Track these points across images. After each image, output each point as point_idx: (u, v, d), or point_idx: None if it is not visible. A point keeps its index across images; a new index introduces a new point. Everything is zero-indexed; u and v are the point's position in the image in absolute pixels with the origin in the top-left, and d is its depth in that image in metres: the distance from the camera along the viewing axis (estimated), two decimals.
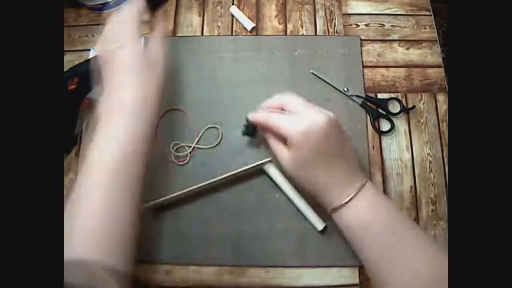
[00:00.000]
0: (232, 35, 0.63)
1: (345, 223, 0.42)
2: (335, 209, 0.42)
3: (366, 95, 0.58)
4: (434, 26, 0.63)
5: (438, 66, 0.61)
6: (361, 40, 0.62)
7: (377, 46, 0.62)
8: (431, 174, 0.55)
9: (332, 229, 0.50)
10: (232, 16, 0.65)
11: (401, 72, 0.60)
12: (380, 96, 0.59)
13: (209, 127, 0.56)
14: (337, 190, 0.41)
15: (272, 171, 0.52)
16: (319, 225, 0.50)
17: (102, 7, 0.64)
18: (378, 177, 0.54)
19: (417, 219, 0.53)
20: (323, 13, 0.64)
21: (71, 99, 0.54)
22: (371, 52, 0.62)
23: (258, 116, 0.47)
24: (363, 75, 0.60)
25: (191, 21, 0.65)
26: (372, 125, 0.57)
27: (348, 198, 0.40)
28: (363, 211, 0.40)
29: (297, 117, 0.41)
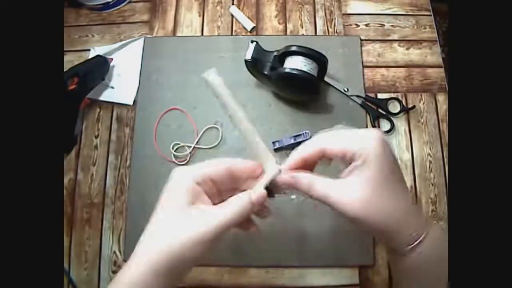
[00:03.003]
0: (232, 35, 0.63)
1: (424, 259, 0.33)
2: (419, 243, 0.32)
3: (366, 95, 0.58)
4: (434, 26, 0.63)
5: (438, 66, 0.61)
6: (361, 40, 0.62)
7: (377, 46, 0.62)
8: (431, 174, 0.55)
9: (332, 229, 0.50)
10: (232, 16, 0.65)
11: (401, 72, 0.60)
12: (380, 96, 0.59)
13: (209, 127, 0.56)
14: (416, 219, 0.32)
15: None
16: None
17: (102, 7, 0.64)
18: None
19: None
20: (323, 13, 0.64)
21: (71, 99, 0.54)
22: (371, 52, 0.62)
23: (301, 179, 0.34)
24: (363, 75, 0.60)
25: (191, 21, 0.65)
26: (372, 125, 0.57)
27: (426, 226, 0.33)
28: (440, 239, 0.33)
29: (359, 131, 0.33)
